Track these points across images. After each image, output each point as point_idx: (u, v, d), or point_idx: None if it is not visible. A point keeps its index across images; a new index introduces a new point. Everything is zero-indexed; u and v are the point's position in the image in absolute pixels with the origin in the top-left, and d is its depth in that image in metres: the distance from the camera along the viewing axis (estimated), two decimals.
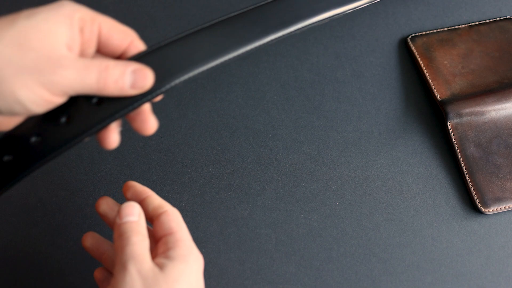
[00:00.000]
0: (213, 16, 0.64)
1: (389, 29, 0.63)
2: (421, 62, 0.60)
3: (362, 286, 0.50)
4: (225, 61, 0.39)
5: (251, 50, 0.40)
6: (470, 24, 0.63)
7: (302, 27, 0.42)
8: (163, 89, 0.37)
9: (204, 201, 0.53)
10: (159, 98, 0.38)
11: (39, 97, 0.32)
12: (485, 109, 0.56)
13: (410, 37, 0.62)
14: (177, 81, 0.37)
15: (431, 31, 0.62)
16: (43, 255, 0.50)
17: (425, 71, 0.59)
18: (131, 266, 0.36)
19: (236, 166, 0.55)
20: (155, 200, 0.42)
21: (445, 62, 0.60)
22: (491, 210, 0.53)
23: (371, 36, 0.62)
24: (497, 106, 0.56)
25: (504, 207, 0.53)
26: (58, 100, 0.34)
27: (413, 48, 0.61)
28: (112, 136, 0.37)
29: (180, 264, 0.38)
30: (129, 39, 0.37)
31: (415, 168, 0.55)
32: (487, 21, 0.63)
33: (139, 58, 0.37)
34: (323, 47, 0.62)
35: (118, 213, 0.39)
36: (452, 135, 0.55)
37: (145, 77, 0.36)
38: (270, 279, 0.50)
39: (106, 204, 0.44)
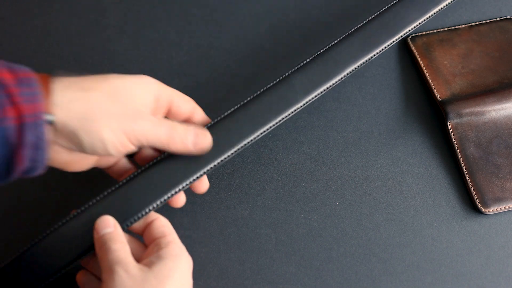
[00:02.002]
0: (212, 15, 0.64)
1: None
2: (421, 62, 0.60)
3: (362, 286, 0.50)
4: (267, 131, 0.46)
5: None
6: (470, 24, 0.63)
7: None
8: (222, 158, 0.45)
9: (204, 201, 0.53)
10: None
11: (119, 140, 0.39)
12: (485, 109, 0.56)
13: (410, 37, 0.61)
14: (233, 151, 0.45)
15: (431, 31, 0.62)
16: None
17: (425, 71, 0.59)
18: (118, 268, 0.38)
19: (236, 166, 0.55)
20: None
21: (445, 62, 0.60)
22: (491, 210, 0.53)
23: None
24: (497, 106, 0.56)
25: (504, 207, 0.53)
26: (132, 148, 0.41)
27: (413, 48, 0.61)
28: (180, 197, 0.45)
29: (171, 262, 0.39)
30: (192, 107, 0.45)
31: (415, 168, 0.55)
32: (487, 21, 0.63)
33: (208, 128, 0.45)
34: None
35: (95, 228, 0.41)
36: (452, 135, 0.55)
37: (205, 138, 0.43)
38: (270, 279, 0.50)
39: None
